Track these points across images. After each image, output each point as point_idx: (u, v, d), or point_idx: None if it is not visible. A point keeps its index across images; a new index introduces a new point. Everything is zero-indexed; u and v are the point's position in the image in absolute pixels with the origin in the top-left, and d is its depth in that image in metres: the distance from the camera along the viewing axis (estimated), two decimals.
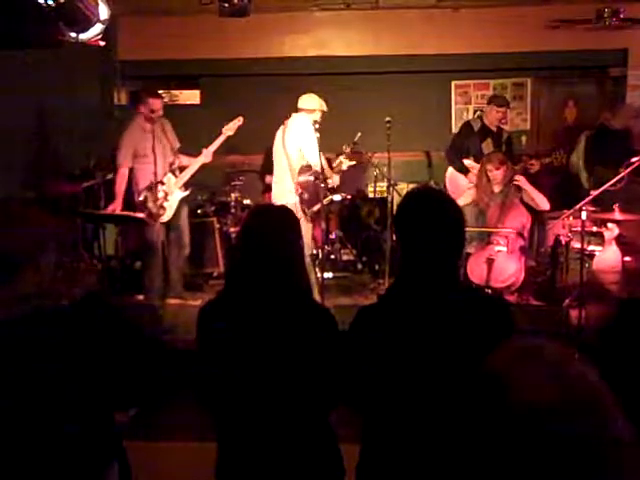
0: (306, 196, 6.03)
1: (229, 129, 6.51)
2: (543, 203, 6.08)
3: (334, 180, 6.66)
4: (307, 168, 6.09)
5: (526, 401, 1.05)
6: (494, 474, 1.06)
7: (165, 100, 9.37)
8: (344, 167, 6.68)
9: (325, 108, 6.34)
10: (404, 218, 2.36)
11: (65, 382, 1.89)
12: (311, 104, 6.29)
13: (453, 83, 9.20)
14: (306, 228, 5.81)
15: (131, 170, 6.28)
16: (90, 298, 2.04)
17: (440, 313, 2.25)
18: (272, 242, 2.47)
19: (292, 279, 2.49)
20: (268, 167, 6.90)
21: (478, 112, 8.34)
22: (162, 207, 6.10)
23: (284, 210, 2.69)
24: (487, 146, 7.07)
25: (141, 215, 5.96)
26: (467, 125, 7.36)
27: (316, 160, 6.01)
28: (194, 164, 6.44)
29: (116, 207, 6.18)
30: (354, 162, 6.81)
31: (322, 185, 5.91)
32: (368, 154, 7.24)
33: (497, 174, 6.07)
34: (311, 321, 2.47)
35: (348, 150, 6.83)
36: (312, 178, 6.03)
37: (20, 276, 1.92)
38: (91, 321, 1.99)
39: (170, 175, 6.32)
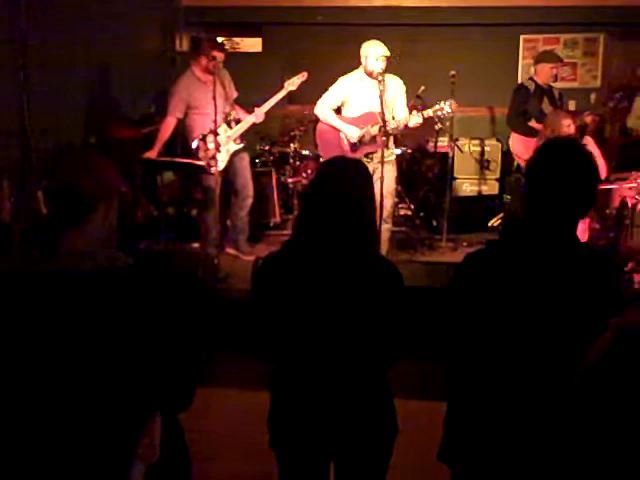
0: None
1: (292, 84, 6.21)
2: (601, 170, 5.86)
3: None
4: None
5: None
6: None
7: (226, 48, 9.36)
8: (411, 124, 6.17)
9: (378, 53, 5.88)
10: (541, 167, 2.29)
11: (126, 337, 1.91)
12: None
13: (522, 37, 8.92)
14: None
15: (184, 120, 6.14)
16: (143, 260, 2.07)
17: (553, 267, 2.21)
18: (344, 193, 2.43)
19: (361, 231, 2.45)
20: None
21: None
22: (213, 158, 5.94)
23: (357, 162, 2.66)
24: (545, 106, 6.85)
25: (201, 162, 5.89)
26: (522, 87, 7.06)
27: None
28: (245, 122, 6.21)
29: (152, 155, 6.06)
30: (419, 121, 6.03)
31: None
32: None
33: (572, 129, 5.89)
34: (376, 274, 2.44)
35: (411, 103, 6.59)
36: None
37: (91, 217, 1.98)
38: (146, 282, 2.00)
39: (225, 126, 6.13)
